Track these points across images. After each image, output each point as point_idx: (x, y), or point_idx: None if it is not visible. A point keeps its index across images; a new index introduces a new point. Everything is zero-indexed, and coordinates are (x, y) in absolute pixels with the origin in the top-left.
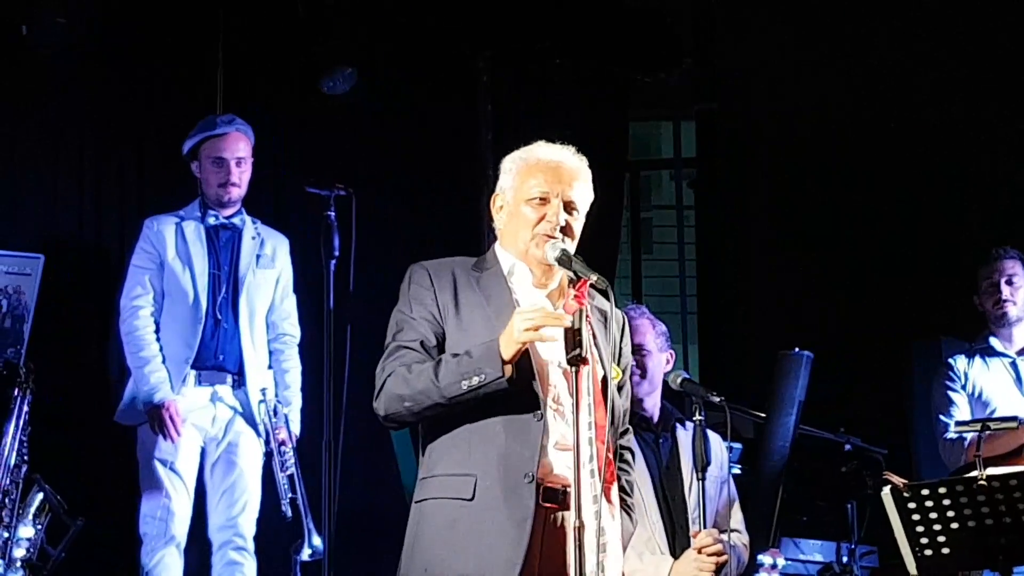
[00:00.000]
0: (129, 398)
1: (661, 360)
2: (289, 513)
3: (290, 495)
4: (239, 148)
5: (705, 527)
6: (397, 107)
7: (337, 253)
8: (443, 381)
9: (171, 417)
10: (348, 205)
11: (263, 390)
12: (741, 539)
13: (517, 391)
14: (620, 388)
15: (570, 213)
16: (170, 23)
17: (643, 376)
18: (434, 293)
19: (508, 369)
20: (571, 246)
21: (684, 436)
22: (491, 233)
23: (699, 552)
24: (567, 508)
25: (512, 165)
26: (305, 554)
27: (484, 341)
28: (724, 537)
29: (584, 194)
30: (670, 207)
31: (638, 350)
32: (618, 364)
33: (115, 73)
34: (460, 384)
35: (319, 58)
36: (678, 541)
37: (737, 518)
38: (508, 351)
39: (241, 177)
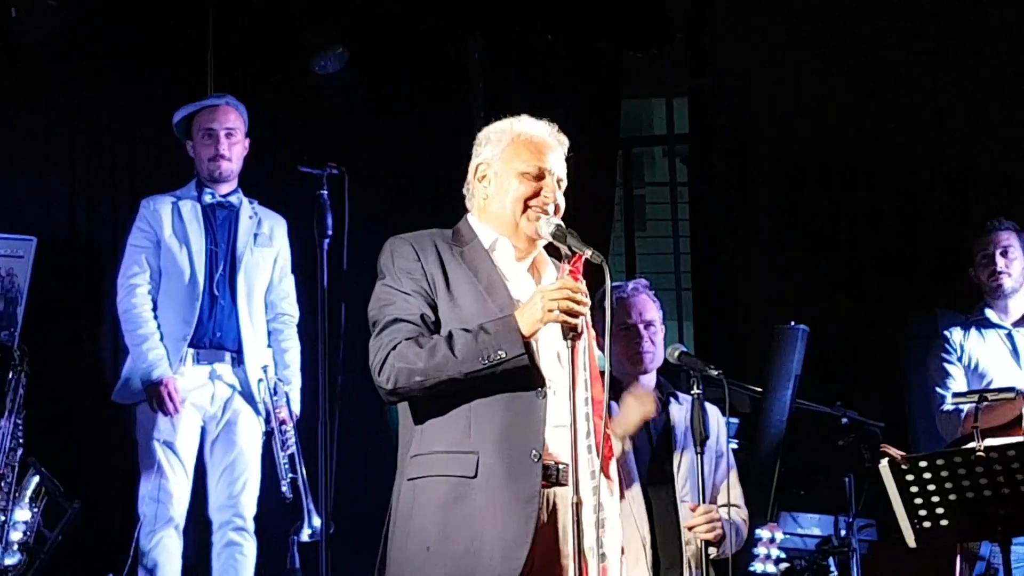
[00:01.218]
0: (126, 376)
1: (662, 334)
2: (290, 494)
3: (291, 475)
4: (229, 120)
5: (704, 501)
6: (388, 86)
7: (330, 232)
8: (461, 356)
9: (170, 394)
10: (341, 184)
11: (264, 368)
12: (740, 514)
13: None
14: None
15: (559, 189)
16: (160, 5)
17: (655, 352)
18: (422, 266)
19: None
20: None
21: (677, 410)
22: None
23: (689, 530)
24: (561, 485)
25: (499, 136)
26: (305, 535)
27: (491, 318)
28: (722, 512)
29: (565, 170)
30: (663, 184)
31: (648, 326)
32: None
33: (106, 56)
34: (479, 360)
35: (310, 38)
36: (662, 516)
37: (736, 492)
38: (528, 328)
39: (232, 150)
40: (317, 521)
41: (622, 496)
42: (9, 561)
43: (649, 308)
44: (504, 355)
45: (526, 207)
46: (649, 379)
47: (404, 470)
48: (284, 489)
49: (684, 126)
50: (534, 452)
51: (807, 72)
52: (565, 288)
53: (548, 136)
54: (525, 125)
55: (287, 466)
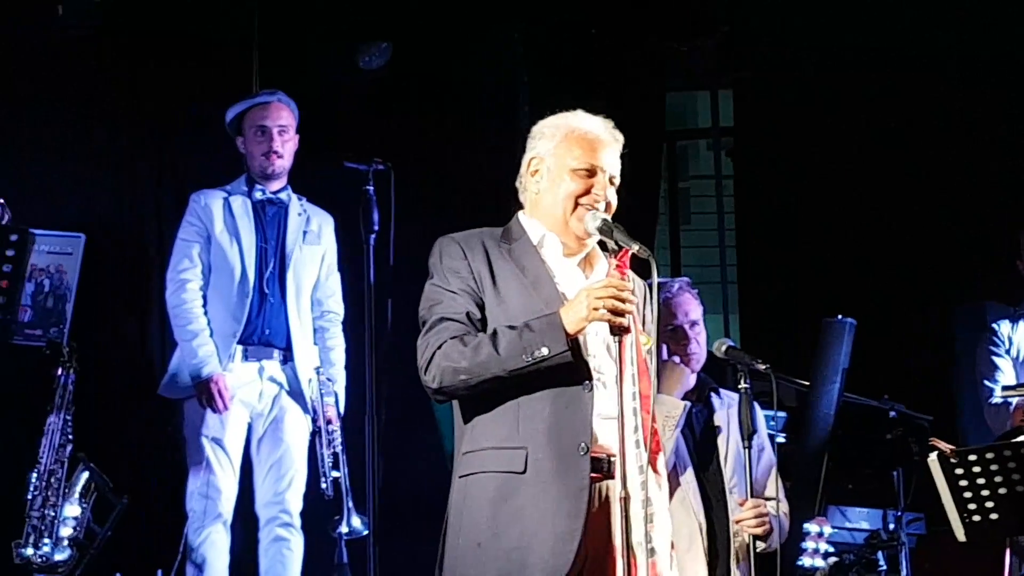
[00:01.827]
0: (173, 371)
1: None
2: (331, 492)
3: (334, 473)
4: (282, 117)
5: (747, 495)
6: (433, 80)
7: (376, 228)
8: (504, 353)
9: (220, 391)
10: (387, 179)
11: (317, 369)
12: (781, 508)
13: (567, 364)
14: (648, 353)
15: (611, 186)
16: (205, 0)
17: (701, 350)
18: (468, 265)
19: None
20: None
21: (719, 404)
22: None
23: (737, 523)
24: (612, 477)
25: (553, 131)
26: (343, 532)
27: (538, 314)
28: (770, 507)
29: (619, 167)
30: (708, 177)
31: (693, 325)
32: (643, 329)
33: (151, 52)
34: (522, 357)
35: (355, 33)
36: (714, 509)
37: (777, 486)
38: (573, 326)
39: (284, 147)
40: (356, 520)
41: (677, 484)
42: (59, 556)
43: (693, 307)
44: (547, 352)
45: (576, 204)
46: (691, 375)
47: (457, 467)
48: (324, 487)
49: (728, 119)
50: (582, 445)
51: (852, 63)
52: (611, 287)
53: (603, 132)
54: (580, 120)
55: (331, 464)
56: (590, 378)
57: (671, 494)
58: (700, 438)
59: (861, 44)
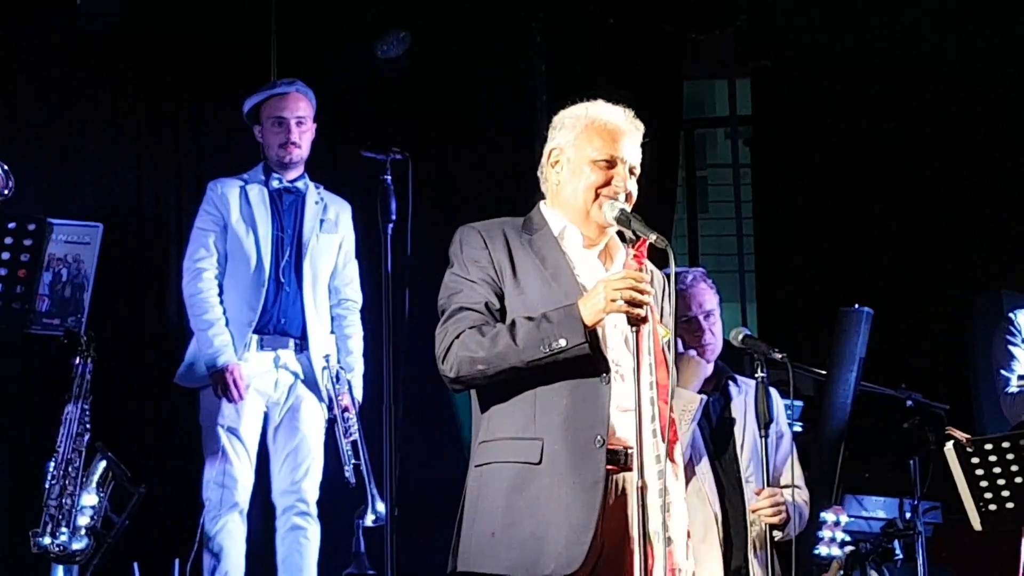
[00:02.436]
0: (190, 360)
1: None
2: (353, 480)
3: (354, 461)
4: (300, 108)
5: (768, 484)
6: (451, 70)
7: (394, 217)
8: (522, 344)
9: (235, 381)
10: (404, 169)
11: (327, 356)
12: (801, 495)
13: (584, 356)
14: (668, 344)
15: (632, 177)
16: None
17: (715, 341)
18: (489, 254)
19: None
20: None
21: (736, 393)
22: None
23: (754, 512)
24: (629, 470)
25: (573, 122)
26: (369, 520)
27: (557, 304)
28: (787, 496)
29: (639, 157)
30: (726, 165)
31: (708, 316)
32: (661, 320)
33: (169, 41)
34: (540, 348)
35: (373, 22)
36: (729, 498)
37: (797, 473)
38: (591, 318)
39: (302, 138)
40: (381, 506)
41: (692, 474)
42: (77, 545)
43: (708, 297)
44: (565, 344)
45: (597, 195)
46: (707, 365)
47: (473, 456)
48: (348, 475)
49: (747, 107)
50: (599, 437)
51: (869, 52)
52: (629, 278)
53: (623, 122)
54: (600, 111)
55: (350, 453)
56: (608, 370)
57: (687, 484)
58: (717, 427)
59: (878, 35)
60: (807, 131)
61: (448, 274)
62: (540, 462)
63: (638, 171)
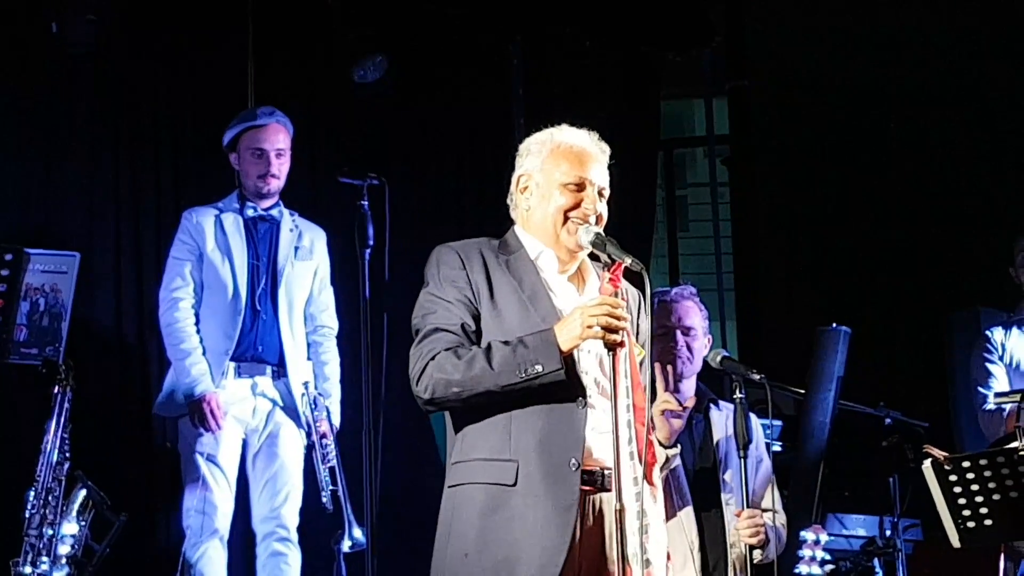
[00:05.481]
0: (168, 389)
1: (704, 343)
2: (331, 506)
3: (331, 487)
4: (279, 140)
5: (747, 506)
6: (429, 94)
7: (372, 242)
8: (498, 368)
9: (212, 411)
10: (381, 194)
11: (305, 383)
12: (779, 519)
13: (560, 382)
14: (641, 364)
15: (601, 199)
16: (199, 16)
17: (691, 358)
18: (467, 275)
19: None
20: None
21: (717, 416)
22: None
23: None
24: (606, 490)
25: (540, 147)
26: (345, 545)
27: (534, 328)
28: (767, 518)
29: (607, 179)
30: (704, 184)
31: (687, 331)
32: (636, 340)
33: (147, 69)
34: (516, 373)
35: (350, 47)
36: (709, 521)
37: (775, 498)
38: (567, 344)
39: (280, 169)
40: (358, 532)
41: (670, 502)
42: (57, 575)
43: (691, 314)
44: (541, 369)
45: (566, 218)
46: (689, 386)
47: (448, 476)
48: (324, 501)
49: (724, 127)
50: (573, 461)
51: (846, 72)
52: (605, 304)
53: (589, 145)
54: (565, 135)
55: (327, 479)
56: (584, 395)
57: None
58: (699, 449)
59: (855, 55)
60: (785, 150)
61: (423, 293)
62: (515, 484)
63: (607, 193)
